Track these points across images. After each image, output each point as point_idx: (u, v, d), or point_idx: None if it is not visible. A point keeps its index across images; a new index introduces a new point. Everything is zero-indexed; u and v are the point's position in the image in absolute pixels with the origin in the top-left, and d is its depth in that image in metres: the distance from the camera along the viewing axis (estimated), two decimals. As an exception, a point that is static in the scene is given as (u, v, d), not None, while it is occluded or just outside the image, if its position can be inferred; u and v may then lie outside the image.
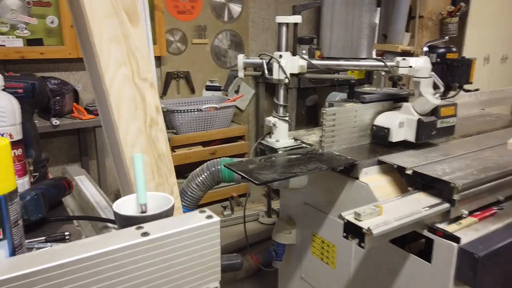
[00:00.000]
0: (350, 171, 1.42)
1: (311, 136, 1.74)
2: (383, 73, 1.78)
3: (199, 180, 1.66)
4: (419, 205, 1.19)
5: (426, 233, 1.19)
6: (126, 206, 0.63)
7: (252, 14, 3.60)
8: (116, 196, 2.76)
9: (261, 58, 1.62)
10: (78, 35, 0.68)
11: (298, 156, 1.47)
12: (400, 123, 1.53)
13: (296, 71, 1.59)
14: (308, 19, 3.89)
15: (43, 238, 0.71)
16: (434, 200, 1.22)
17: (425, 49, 1.54)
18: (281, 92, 1.63)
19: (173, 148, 2.88)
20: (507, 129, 1.93)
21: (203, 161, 1.80)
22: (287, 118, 1.63)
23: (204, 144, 3.04)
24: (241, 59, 1.64)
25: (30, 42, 2.66)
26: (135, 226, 0.52)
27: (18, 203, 0.55)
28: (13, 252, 0.54)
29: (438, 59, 1.57)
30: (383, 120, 1.58)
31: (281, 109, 1.63)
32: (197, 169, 1.72)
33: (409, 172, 1.32)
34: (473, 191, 1.22)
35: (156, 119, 0.69)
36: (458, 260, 1.12)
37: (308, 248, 1.69)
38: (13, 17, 2.59)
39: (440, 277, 1.16)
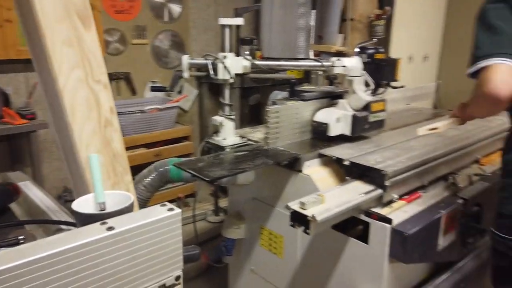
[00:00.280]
0: (294, 165, 1.51)
1: (256, 134, 1.81)
2: (320, 72, 1.91)
3: (147, 181, 1.66)
4: (357, 192, 1.31)
5: (363, 217, 1.31)
6: (84, 205, 0.65)
7: (192, 14, 3.61)
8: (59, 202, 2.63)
9: (205, 59, 1.66)
10: (28, 37, 0.68)
11: (245, 153, 1.54)
12: (337, 119, 1.66)
13: (240, 71, 1.65)
14: (248, 21, 3.97)
15: (-6, 244, 0.70)
16: (369, 187, 1.35)
17: (357, 50, 1.68)
18: (226, 92, 1.68)
19: (116, 151, 2.80)
20: (429, 121, 2.15)
21: (147, 163, 1.79)
22: (233, 117, 1.69)
23: (148, 146, 3.00)
24: (185, 59, 1.66)
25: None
26: (99, 222, 0.54)
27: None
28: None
29: (368, 59, 1.72)
30: (322, 116, 1.70)
31: (227, 108, 1.68)
32: (144, 170, 1.71)
33: (346, 163, 1.44)
34: (402, 177, 1.36)
35: (110, 120, 0.71)
36: (391, 239, 1.25)
37: (257, 241, 1.76)
38: None
39: (376, 256, 1.29)
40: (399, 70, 1.73)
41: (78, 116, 0.67)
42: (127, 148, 3.05)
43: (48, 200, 0.88)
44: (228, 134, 1.68)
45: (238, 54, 1.65)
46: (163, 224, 0.57)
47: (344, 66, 1.61)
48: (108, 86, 0.69)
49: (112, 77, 3.16)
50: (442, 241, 1.37)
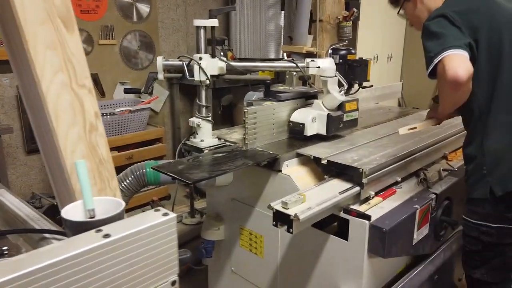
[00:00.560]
0: (273, 165, 1.53)
1: (233, 135, 1.81)
2: (294, 73, 1.94)
3: (124, 185, 1.63)
4: (335, 190, 1.34)
5: (342, 214, 1.35)
6: (73, 213, 0.63)
7: (161, 14, 3.55)
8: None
9: (180, 60, 1.65)
10: (7, 41, 0.65)
11: (224, 154, 1.53)
12: (313, 118, 1.69)
13: (216, 73, 1.65)
14: (218, 20, 3.95)
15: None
16: (347, 185, 1.38)
17: (330, 51, 1.72)
18: (203, 93, 1.67)
19: (86, 155, 2.71)
20: (398, 119, 2.23)
21: (119, 167, 1.76)
22: (210, 118, 1.68)
23: (119, 149, 2.93)
24: (160, 61, 1.64)
25: None
26: (94, 230, 0.53)
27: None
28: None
29: (341, 60, 1.77)
30: (298, 116, 1.72)
31: (203, 110, 1.67)
32: (120, 174, 1.67)
33: (324, 162, 1.47)
34: (377, 174, 1.41)
35: (95, 124, 0.69)
36: (370, 235, 1.29)
37: (237, 241, 1.76)
38: None
39: (356, 252, 1.32)
40: (370, 71, 1.79)
41: (62, 121, 0.65)
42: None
43: (28, 208, 0.85)
44: (206, 136, 1.67)
45: (213, 56, 1.64)
46: (159, 229, 0.56)
47: (318, 67, 1.64)
48: (92, 90, 0.68)
49: (80, 79, 3.05)
50: (417, 235, 1.43)
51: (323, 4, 3.29)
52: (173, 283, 0.59)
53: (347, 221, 1.34)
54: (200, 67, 1.59)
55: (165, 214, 0.58)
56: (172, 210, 1.89)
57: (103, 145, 0.70)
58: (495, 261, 1.36)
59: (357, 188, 1.37)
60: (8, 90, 2.75)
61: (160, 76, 1.67)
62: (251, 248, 1.71)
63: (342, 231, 1.38)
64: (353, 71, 1.75)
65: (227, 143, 1.71)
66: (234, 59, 3.25)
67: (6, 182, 2.59)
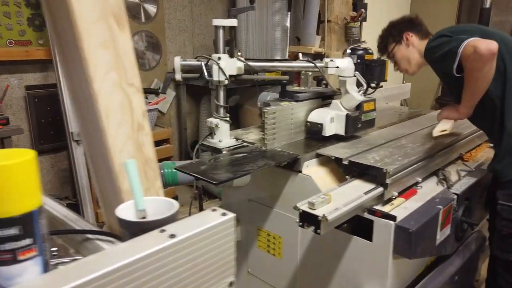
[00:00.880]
0: (293, 165, 1.52)
1: (249, 135, 1.81)
2: (310, 73, 1.93)
3: (142, 186, 1.61)
4: (359, 190, 1.33)
5: (366, 215, 1.34)
6: (124, 213, 0.62)
7: (167, 15, 3.54)
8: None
9: (198, 60, 1.64)
10: (57, 38, 0.64)
11: (244, 154, 1.52)
12: (331, 118, 1.68)
13: (234, 73, 1.64)
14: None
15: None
16: (369, 185, 1.38)
17: (349, 51, 1.71)
18: (221, 94, 1.66)
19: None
20: (411, 120, 2.23)
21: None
22: (228, 119, 1.67)
23: (128, 149, 2.91)
24: (178, 61, 1.63)
25: None
26: (157, 230, 0.52)
27: (45, 218, 0.52)
28: (45, 269, 0.50)
29: (358, 60, 1.76)
30: (316, 116, 1.72)
31: (221, 110, 1.67)
32: (138, 175, 1.66)
33: (345, 162, 1.47)
34: (400, 174, 1.41)
35: (142, 124, 0.68)
36: (395, 236, 1.28)
37: (254, 242, 1.75)
38: None
39: (380, 253, 1.31)
40: (387, 71, 1.79)
41: (112, 121, 0.64)
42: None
43: (64, 209, 0.84)
44: (224, 136, 1.66)
45: (232, 56, 1.64)
46: (219, 229, 0.55)
47: (337, 67, 1.64)
48: (140, 89, 0.67)
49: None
50: (440, 236, 1.42)
51: (331, 5, 3.29)
52: (231, 284, 0.58)
53: (371, 221, 1.33)
54: (220, 67, 1.58)
55: (224, 214, 0.57)
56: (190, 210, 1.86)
57: (149, 144, 0.70)
58: None
59: (381, 189, 1.36)
60: (17, 91, 2.73)
61: (178, 76, 1.66)
62: (269, 249, 1.70)
63: (368, 230, 1.37)
64: (371, 71, 1.74)
65: (245, 144, 1.70)
66: (248, 60, 3.24)
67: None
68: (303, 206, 1.20)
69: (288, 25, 3.86)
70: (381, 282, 1.33)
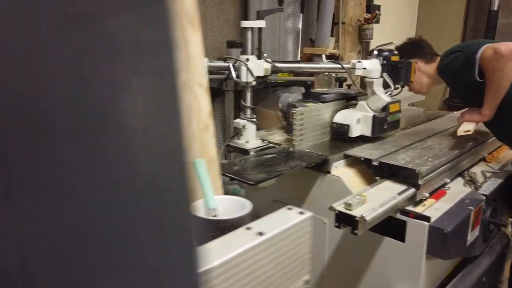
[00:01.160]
0: (321, 166, 1.52)
1: (274, 136, 1.81)
2: (333, 74, 1.94)
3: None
4: (392, 192, 1.34)
5: (399, 216, 1.34)
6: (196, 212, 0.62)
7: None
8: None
9: (226, 62, 1.65)
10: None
11: (274, 155, 1.53)
12: (357, 120, 1.68)
13: (262, 74, 1.65)
14: (235, 23, 3.96)
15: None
16: (401, 186, 1.38)
17: (375, 52, 1.72)
18: (248, 95, 1.67)
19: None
20: (432, 121, 2.23)
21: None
22: (254, 120, 1.68)
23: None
24: (205, 62, 1.64)
25: None
26: (243, 227, 0.53)
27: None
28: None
29: (384, 61, 1.76)
30: (341, 117, 1.72)
31: (248, 111, 1.67)
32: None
33: (375, 163, 1.47)
34: (432, 175, 1.41)
35: (208, 124, 0.69)
36: (429, 236, 1.28)
37: (279, 243, 1.75)
38: None
39: (413, 253, 1.32)
40: (413, 72, 1.79)
41: (181, 120, 0.65)
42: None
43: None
44: (251, 137, 1.67)
45: (260, 57, 1.65)
46: (299, 227, 0.56)
47: (364, 68, 1.64)
48: (208, 90, 0.67)
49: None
50: (470, 236, 1.43)
51: (345, 7, 3.30)
52: (307, 282, 0.59)
53: (404, 222, 1.33)
54: (248, 69, 1.59)
55: (301, 213, 0.58)
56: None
57: (213, 144, 0.70)
58: None
59: (413, 190, 1.36)
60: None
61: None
62: (295, 250, 1.70)
63: (400, 231, 1.37)
64: (397, 73, 1.75)
65: (271, 145, 1.71)
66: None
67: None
68: (339, 207, 1.21)
69: (300, 26, 3.87)
70: (413, 283, 1.34)
